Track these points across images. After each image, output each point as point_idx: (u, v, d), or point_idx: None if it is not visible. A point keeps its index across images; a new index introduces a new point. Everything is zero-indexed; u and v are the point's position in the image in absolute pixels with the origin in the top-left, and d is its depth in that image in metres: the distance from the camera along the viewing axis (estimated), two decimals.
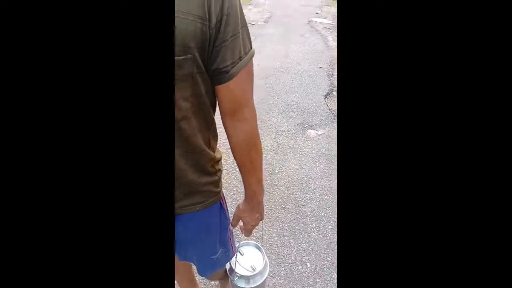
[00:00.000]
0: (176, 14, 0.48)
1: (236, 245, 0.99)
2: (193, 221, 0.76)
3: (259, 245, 1.03)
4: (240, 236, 1.47)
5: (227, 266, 0.98)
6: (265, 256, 1.00)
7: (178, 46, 0.50)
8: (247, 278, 0.94)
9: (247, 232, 0.84)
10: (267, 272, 0.98)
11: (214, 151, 0.73)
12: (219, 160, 0.76)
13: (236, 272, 0.94)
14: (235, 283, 0.95)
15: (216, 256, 0.88)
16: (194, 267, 1.10)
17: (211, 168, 0.73)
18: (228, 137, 0.68)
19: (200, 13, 0.50)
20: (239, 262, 0.96)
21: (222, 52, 0.54)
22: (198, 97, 0.60)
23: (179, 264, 1.16)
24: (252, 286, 0.95)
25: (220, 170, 0.77)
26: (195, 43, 0.51)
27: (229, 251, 0.92)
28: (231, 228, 0.86)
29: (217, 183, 0.76)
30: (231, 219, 0.86)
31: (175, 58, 0.51)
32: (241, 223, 0.85)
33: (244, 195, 0.78)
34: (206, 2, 0.50)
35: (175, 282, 1.27)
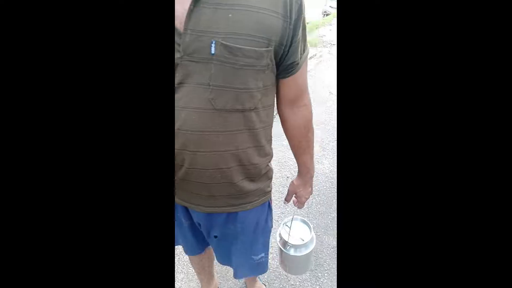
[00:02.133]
0: (259, 10, 0.55)
1: (285, 220, 1.12)
2: (245, 218, 0.81)
3: (306, 220, 1.16)
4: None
5: (278, 238, 1.12)
6: (312, 231, 1.13)
7: (262, 38, 0.56)
8: (295, 247, 1.08)
9: (300, 204, 0.96)
10: (314, 244, 1.11)
11: (270, 149, 0.77)
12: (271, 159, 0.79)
13: (288, 242, 1.08)
14: (286, 252, 1.08)
15: (257, 258, 0.92)
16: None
17: (267, 166, 0.77)
18: (286, 124, 0.75)
19: (284, 12, 0.57)
20: (289, 234, 1.10)
21: (295, 48, 0.62)
22: (266, 89, 0.66)
23: (203, 256, 1.16)
24: (299, 254, 1.08)
25: (272, 170, 0.80)
26: (276, 37, 0.58)
27: (267, 258, 0.94)
28: (285, 202, 1.00)
29: (270, 182, 0.81)
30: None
31: (258, 49, 0.56)
32: (294, 198, 0.98)
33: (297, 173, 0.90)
34: (289, 2, 0.57)
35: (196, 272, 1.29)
